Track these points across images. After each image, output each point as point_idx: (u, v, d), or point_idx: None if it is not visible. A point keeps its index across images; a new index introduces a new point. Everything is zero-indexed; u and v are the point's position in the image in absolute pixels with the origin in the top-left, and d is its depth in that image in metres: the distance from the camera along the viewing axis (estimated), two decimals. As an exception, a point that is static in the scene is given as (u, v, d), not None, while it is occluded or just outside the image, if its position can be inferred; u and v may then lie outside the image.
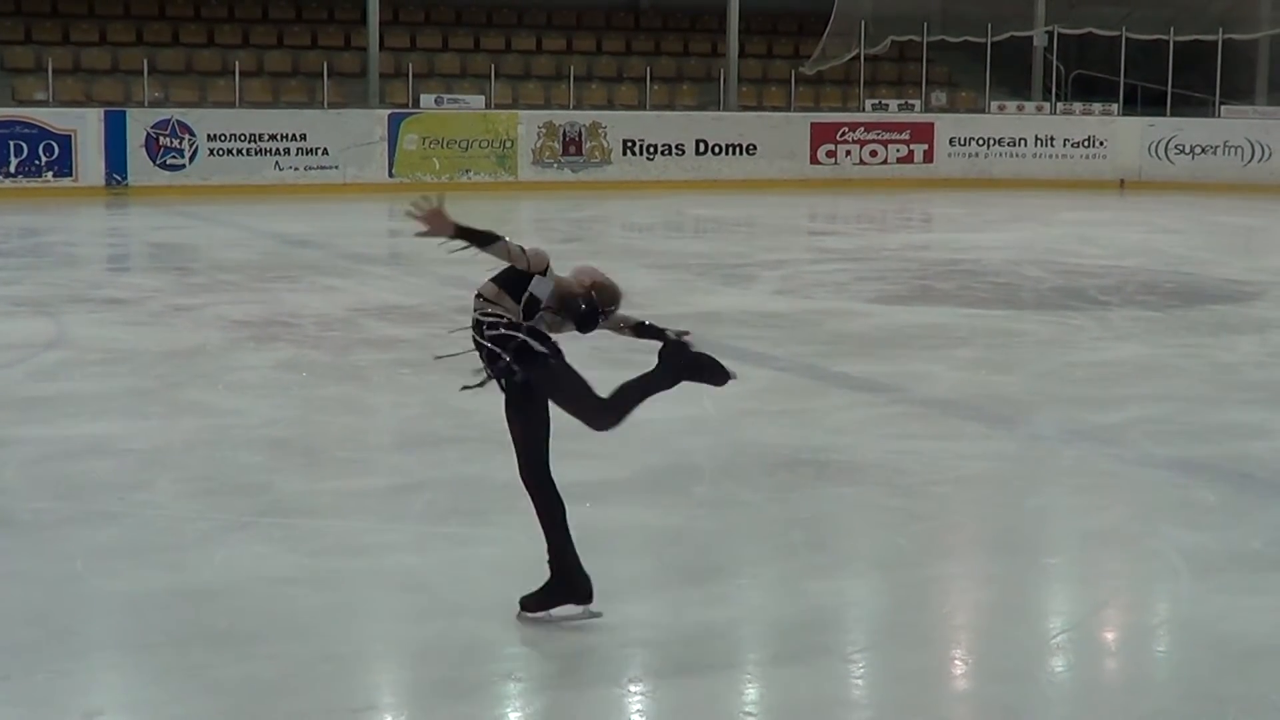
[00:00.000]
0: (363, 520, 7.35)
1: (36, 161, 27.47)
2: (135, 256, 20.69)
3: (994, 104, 31.90)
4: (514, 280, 6.15)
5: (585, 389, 6.22)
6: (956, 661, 5.89)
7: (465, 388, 6.27)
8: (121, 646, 5.79)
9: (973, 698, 5.59)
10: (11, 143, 27.35)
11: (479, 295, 6.17)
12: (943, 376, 11.13)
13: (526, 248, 6.16)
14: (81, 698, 5.28)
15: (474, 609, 6.10)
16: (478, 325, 6.13)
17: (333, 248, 19.75)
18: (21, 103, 28.91)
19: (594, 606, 6.04)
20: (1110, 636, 6.23)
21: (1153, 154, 30.83)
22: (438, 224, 6.01)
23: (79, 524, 7.20)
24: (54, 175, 27.60)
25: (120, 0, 32.77)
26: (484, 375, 6.19)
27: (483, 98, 30.85)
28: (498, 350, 6.08)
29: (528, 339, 6.08)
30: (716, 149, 31.10)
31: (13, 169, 27.33)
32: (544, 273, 6.14)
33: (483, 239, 6.05)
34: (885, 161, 31.25)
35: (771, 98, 33.17)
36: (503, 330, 6.07)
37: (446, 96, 30.74)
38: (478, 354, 6.17)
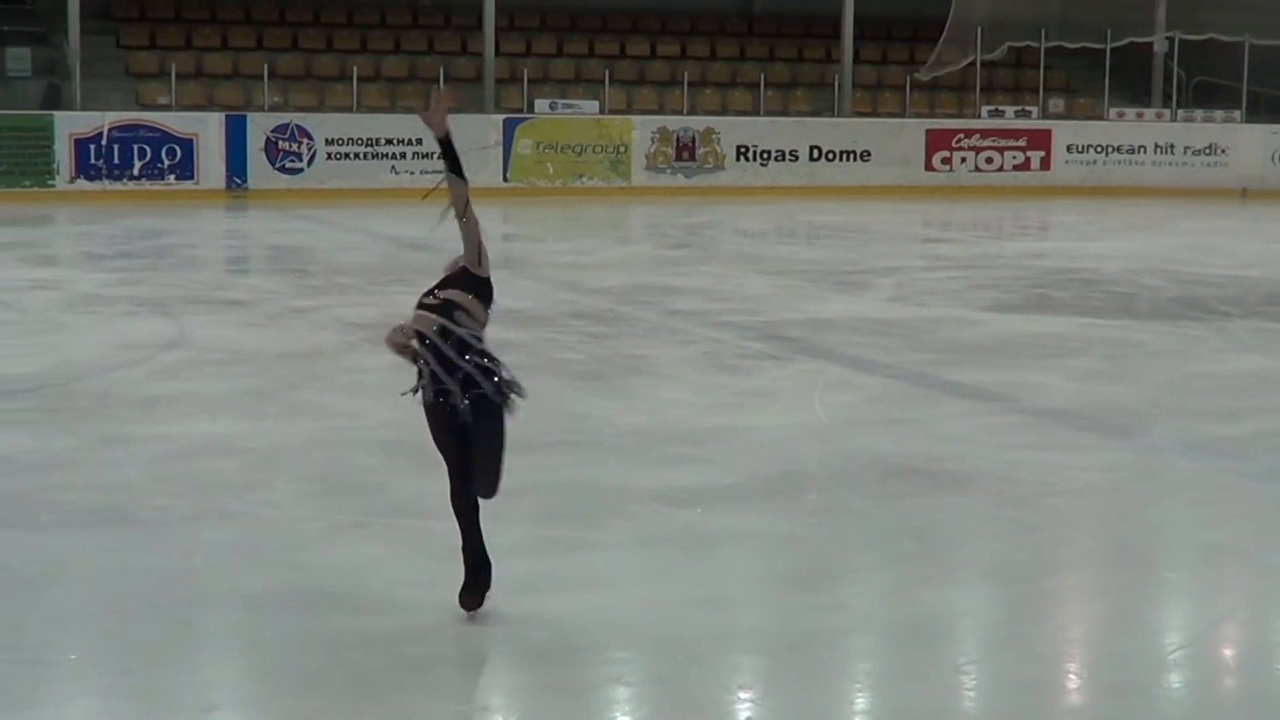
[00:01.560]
0: (475, 523, 7.39)
1: (159, 165, 27.87)
2: (254, 259, 20.95)
3: (1112, 111, 31.57)
4: (480, 288, 6.06)
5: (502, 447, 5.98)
6: (1070, 675, 5.84)
7: (408, 393, 6.09)
8: (237, 644, 5.86)
9: (1086, 712, 5.53)
10: (135, 146, 27.77)
11: (451, 302, 5.99)
12: (1058, 386, 11.02)
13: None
14: (197, 693, 5.35)
15: (583, 613, 6.12)
16: (455, 339, 5.94)
17: (447, 251, 19.75)
18: (145, 107, 29.32)
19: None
20: (1228, 653, 6.15)
21: (1277, 162, 30.39)
22: (438, 118, 5.94)
23: (198, 522, 7.30)
24: (176, 178, 28.00)
25: (242, 6, 33.18)
26: (431, 387, 5.92)
27: (597, 103, 30.93)
28: (477, 377, 5.89)
29: (510, 379, 5.97)
30: (830, 155, 31.01)
31: (136, 172, 27.75)
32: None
33: (457, 169, 5.99)
34: (1001, 169, 31.01)
35: (886, 104, 33.01)
36: (486, 363, 5.93)
37: (561, 102, 30.85)
38: (428, 362, 5.93)
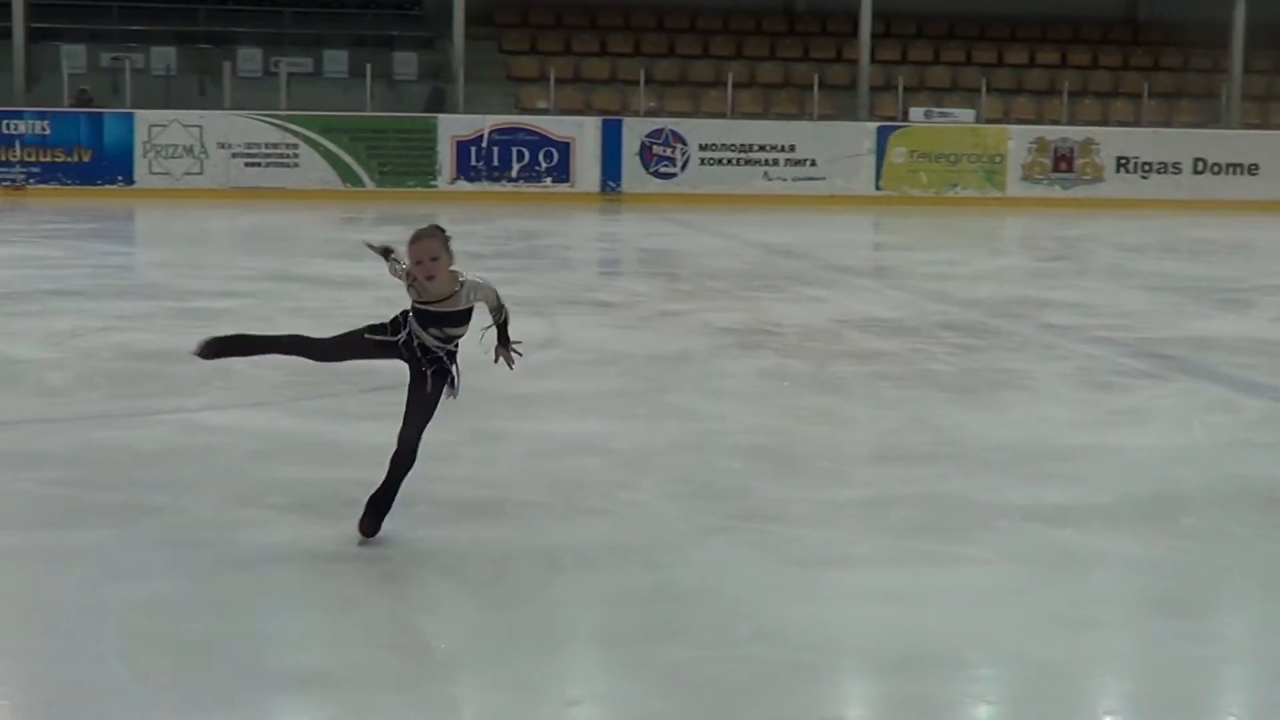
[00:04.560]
0: (838, 531, 7.36)
1: (537, 167, 28.57)
2: (626, 261, 21.29)
3: None
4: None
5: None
6: None
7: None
8: (601, 640, 5.93)
9: None
10: (514, 149, 28.52)
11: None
12: None
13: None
14: (562, 687, 5.43)
15: (946, 627, 6.03)
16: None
17: (817, 258, 19.88)
18: (525, 110, 30.09)
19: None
20: None
21: None
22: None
23: (565, 518, 7.42)
24: (552, 181, 28.65)
25: (621, 12, 33.76)
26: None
27: (973, 112, 30.58)
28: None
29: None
30: (1215, 168, 30.04)
31: (514, 174, 28.49)
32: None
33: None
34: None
35: (1277, 116, 31.79)
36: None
37: (936, 110, 30.60)
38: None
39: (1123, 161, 29.93)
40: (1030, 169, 29.79)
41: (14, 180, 28.07)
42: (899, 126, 29.84)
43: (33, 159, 28.13)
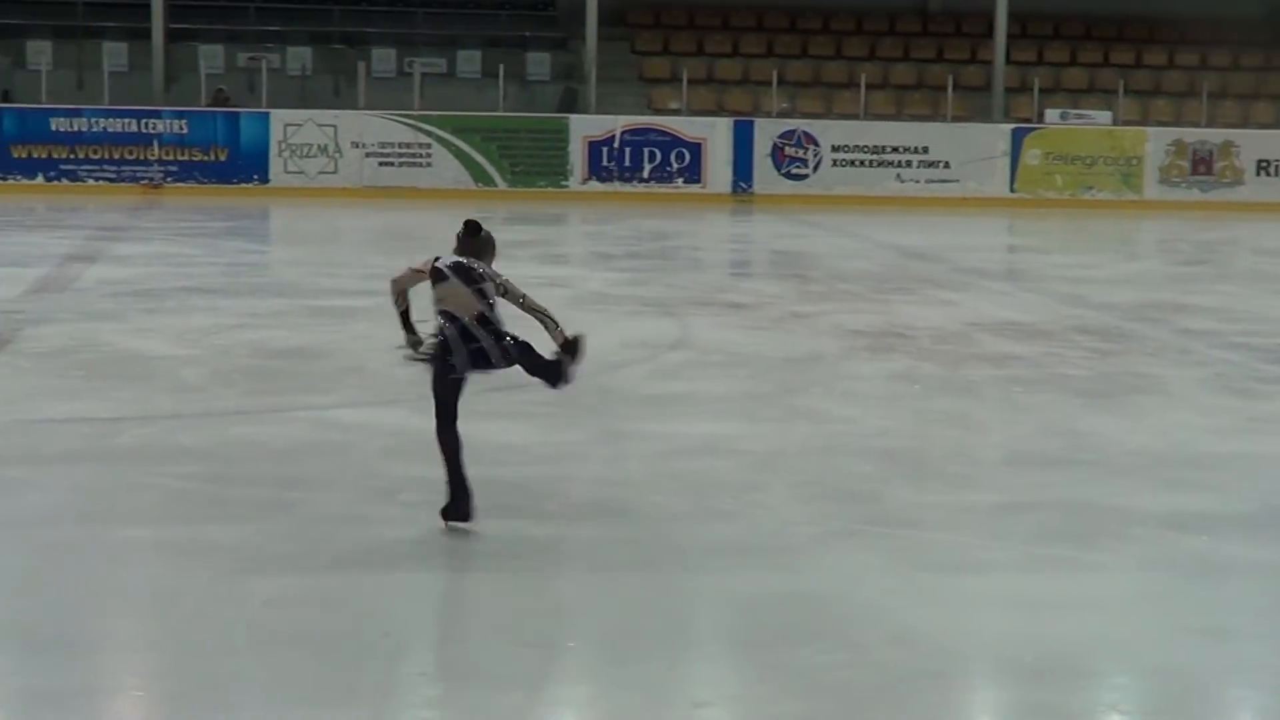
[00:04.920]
0: (969, 536, 7.29)
1: (668, 168, 28.58)
2: (757, 263, 21.25)
3: None
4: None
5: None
6: None
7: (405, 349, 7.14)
8: (729, 642, 5.92)
9: None
10: (646, 149, 28.55)
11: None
12: None
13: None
14: (690, 688, 5.43)
15: (1079, 635, 5.95)
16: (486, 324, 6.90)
17: (950, 261, 19.73)
18: (657, 111, 30.11)
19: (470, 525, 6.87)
20: None
21: None
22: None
23: (694, 520, 7.41)
24: (684, 181, 28.66)
25: (754, 13, 33.71)
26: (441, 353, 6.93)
27: (1109, 113, 30.20)
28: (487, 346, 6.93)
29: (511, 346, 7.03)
30: (1360, 172, 29.47)
31: (646, 175, 28.52)
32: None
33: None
34: None
35: None
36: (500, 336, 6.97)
37: (1072, 111, 30.25)
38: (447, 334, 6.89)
39: (1263, 165, 29.43)
40: (1168, 171, 29.38)
41: (152, 179, 28.53)
42: (1034, 128, 29.55)
43: (170, 158, 28.56)
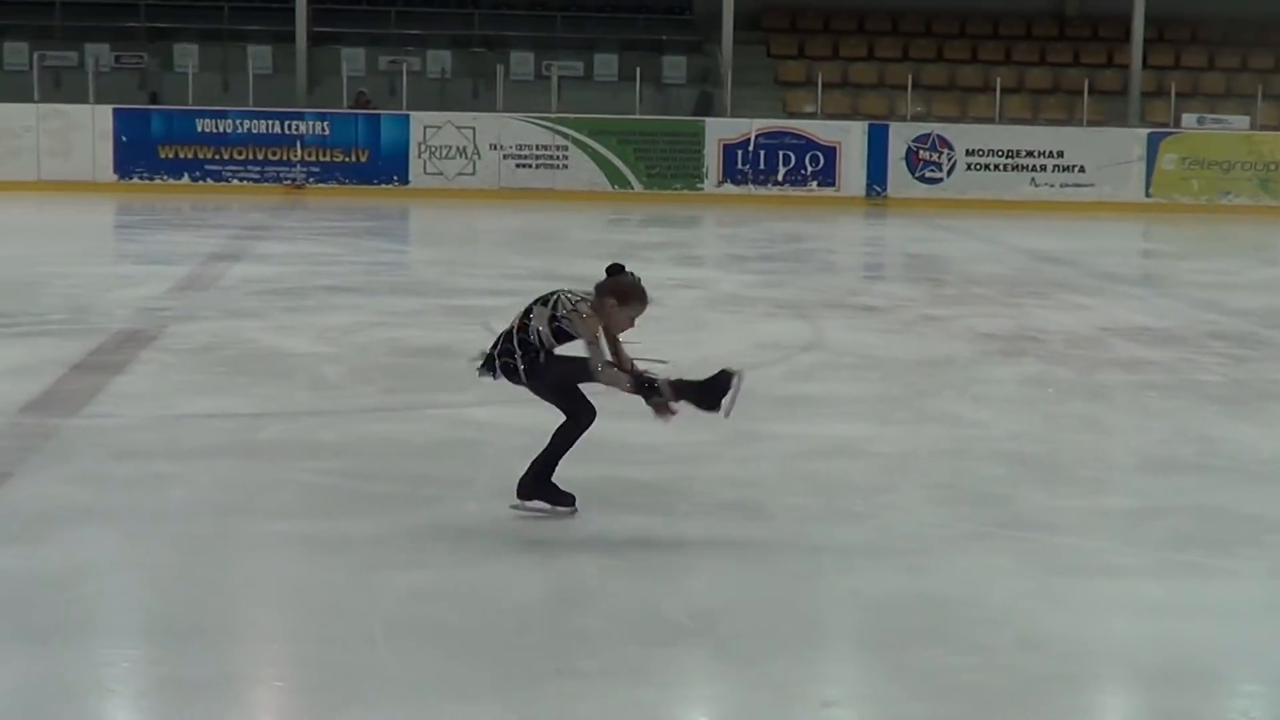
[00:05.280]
0: (1102, 541, 7.28)
1: (803, 171, 28.59)
2: (890, 266, 21.21)
3: None
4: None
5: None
6: None
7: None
8: (858, 642, 5.96)
9: None
10: (780, 153, 28.59)
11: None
12: None
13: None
14: (819, 687, 5.48)
15: (1209, 641, 5.93)
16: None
17: (1084, 265, 19.59)
18: (791, 115, 30.13)
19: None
20: None
21: None
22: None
23: (826, 521, 7.46)
24: (818, 185, 28.66)
25: (889, 16, 33.62)
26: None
27: (1248, 118, 29.79)
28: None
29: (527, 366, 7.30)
30: None
31: (780, 178, 28.56)
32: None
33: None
34: None
35: None
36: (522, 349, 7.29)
37: (1209, 116, 29.88)
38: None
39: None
40: (1308, 177, 28.95)
41: (294, 180, 28.96)
42: (1171, 133, 29.21)
43: (313, 159, 29.00)
